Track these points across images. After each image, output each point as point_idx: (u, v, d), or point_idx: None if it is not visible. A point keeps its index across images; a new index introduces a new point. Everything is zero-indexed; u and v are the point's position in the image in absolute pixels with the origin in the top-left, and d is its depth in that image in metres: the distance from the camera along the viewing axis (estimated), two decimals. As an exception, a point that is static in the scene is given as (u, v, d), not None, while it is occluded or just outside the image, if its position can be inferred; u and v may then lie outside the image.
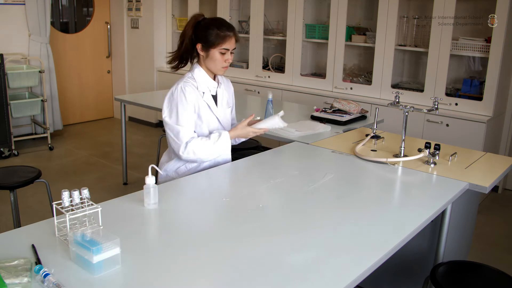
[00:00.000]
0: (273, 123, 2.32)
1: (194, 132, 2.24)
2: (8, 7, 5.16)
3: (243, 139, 2.48)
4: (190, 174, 2.26)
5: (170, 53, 2.31)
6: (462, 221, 2.45)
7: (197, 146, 2.17)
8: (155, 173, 2.31)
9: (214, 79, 2.32)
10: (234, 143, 2.49)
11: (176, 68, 2.28)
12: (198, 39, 2.20)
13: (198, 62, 2.28)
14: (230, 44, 2.19)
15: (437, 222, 2.08)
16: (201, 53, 2.22)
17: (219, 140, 2.21)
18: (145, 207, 1.73)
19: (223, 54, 2.20)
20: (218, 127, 2.35)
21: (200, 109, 2.25)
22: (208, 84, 2.28)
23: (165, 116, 2.20)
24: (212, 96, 2.32)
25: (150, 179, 1.72)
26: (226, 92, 2.42)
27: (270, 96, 3.11)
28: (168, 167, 2.32)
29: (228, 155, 2.41)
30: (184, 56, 2.26)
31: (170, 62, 2.29)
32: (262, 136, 2.82)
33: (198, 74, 2.26)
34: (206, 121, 2.29)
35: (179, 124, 2.17)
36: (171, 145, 2.24)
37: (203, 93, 2.26)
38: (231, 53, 2.22)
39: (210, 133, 2.28)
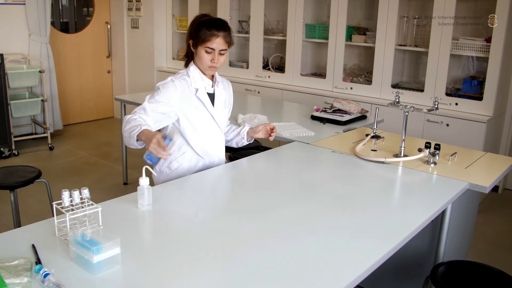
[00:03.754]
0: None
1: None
2: (8, 7, 5.16)
3: (251, 141, 2.45)
4: (182, 170, 2.27)
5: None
6: (462, 221, 2.45)
7: (128, 119, 2.04)
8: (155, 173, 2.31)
9: (212, 78, 2.30)
10: (236, 146, 2.48)
11: (187, 65, 2.31)
12: (191, 35, 2.22)
13: (194, 60, 2.27)
14: (215, 44, 2.14)
15: (437, 222, 2.08)
16: (193, 49, 2.23)
17: (133, 131, 1.98)
18: (139, 208, 1.73)
19: (208, 53, 2.15)
20: (214, 126, 2.32)
21: (191, 105, 2.22)
22: (202, 82, 2.25)
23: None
24: (209, 94, 2.29)
25: (144, 181, 1.73)
26: (225, 92, 2.39)
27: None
28: (160, 162, 2.31)
29: (221, 157, 2.40)
30: (188, 53, 2.30)
31: (186, 65, 2.33)
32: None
33: (192, 71, 2.25)
34: (199, 119, 2.25)
35: (144, 102, 2.13)
36: None
37: (196, 89, 2.23)
38: (220, 54, 2.17)
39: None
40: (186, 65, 2.31)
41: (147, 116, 2.09)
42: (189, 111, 2.22)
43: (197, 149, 2.29)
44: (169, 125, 2.27)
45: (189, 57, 2.31)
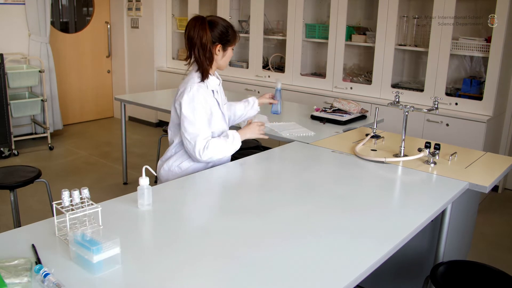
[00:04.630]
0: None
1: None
2: (8, 7, 5.16)
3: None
4: (192, 169, 2.29)
5: (194, 68, 2.27)
6: (462, 220, 2.45)
7: (214, 149, 2.20)
8: (155, 173, 2.31)
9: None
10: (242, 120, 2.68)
11: (207, 77, 2.24)
12: (218, 40, 2.22)
13: (210, 62, 2.27)
14: None
15: (437, 221, 2.08)
16: (219, 53, 2.25)
17: (234, 142, 2.28)
18: (139, 208, 1.73)
19: (232, 50, 2.33)
20: (224, 125, 2.39)
21: (212, 108, 2.27)
22: (214, 82, 2.31)
23: (188, 117, 2.18)
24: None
25: (144, 180, 1.73)
26: (222, 88, 2.47)
27: (278, 85, 2.84)
28: (170, 161, 2.33)
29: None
30: (207, 60, 2.21)
31: (203, 78, 2.23)
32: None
33: None
34: (217, 118, 2.32)
35: (198, 128, 2.18)
36: (186, 146, 2.22)
37: (212, 91, 2.30)
38: None
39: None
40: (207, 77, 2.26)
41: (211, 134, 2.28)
42: (210, 114, 2.27)
43: None
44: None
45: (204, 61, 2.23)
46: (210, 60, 2.23)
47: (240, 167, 2.34)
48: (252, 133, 2.41)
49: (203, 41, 2.16)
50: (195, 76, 2.24)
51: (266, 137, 2.51)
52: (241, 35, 5.39)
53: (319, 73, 5.02)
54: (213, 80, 2.29)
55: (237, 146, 2.30)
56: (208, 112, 2.25)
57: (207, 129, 2.22)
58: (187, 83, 2.23)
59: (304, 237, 1.57)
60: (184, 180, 2.09)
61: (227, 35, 2.23)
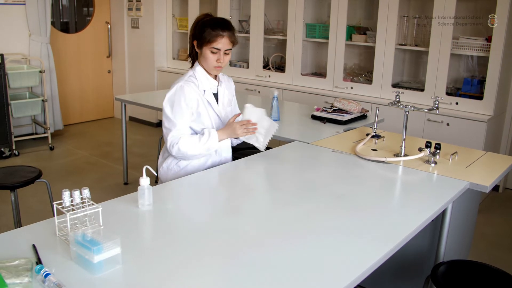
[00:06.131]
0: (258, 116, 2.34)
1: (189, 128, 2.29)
2: (8, 7, 5.16)
3: (240, 141, 2.48)
4: (191, 167, 2.30)
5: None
6: (463, 220, 2.45)
7: (185, 145, 2.18)
8: (156, 173, 2.31)
9: (215, 78, 2.34)
10: (233, 144, 2.51)
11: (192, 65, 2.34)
12: (195, 36, 2.24)
13: (198, 60, 2.30)
14: (221, 44, 2.17)
15: (438, 221, 2.08)
16: (197, 50, 2.26)
17: (208, 140, 2.22)
18: (140, 208, 1.73)
19: (214, 53, 2.19)
20: (220, 126, 2.38)
21: (199, 107, 2.27)
22: (208, 82, 2.30)
23: (165, 112, 2.23)
24: (214, 94, 2.34)
25: (144, 180, 1.73)
26: (228, 91, 2.44)
27: (275, 93, 3.12)
28: (169, 160, 2.34)
29: (228, 155, 2.43)
30: (192, 54, 2.34)
31: (192, 65, 2.35)
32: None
33: (198, 73, 2.28)
34: (208, 118, 2.30)
35: (173, 123, 2.20)
36: (165, 140, 2.27)
37: (204, 91, 2.29)
38: (225, 53, 2.21)
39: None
40: (192, 66, 2.34)
41: (188, 132, 2.24)
42: (198, 112, 2.27)
43: None
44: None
45: (193, 58, 2.34)
46: (191, 55, 2.33)
47: (240, 167, 2.34)
48: (231, 133, 2.28)
49: (189, 36, 2.29)
50: (188, 74, 2.30)
51: (250, 133, 2.33)
52: (242, 35, 5.39)
53: (320, 73, 5.02)
54: (206, 79, 2.29)
55: (212, 144, 2.22)
56: (193, 111, 2.25)
57: (183, 126, 2.21)
58: (178, 80, 2.28)
59: (304, 237, 1.57)
60: (184, 180, 2.10)
61: (201, 33, 2.19)
